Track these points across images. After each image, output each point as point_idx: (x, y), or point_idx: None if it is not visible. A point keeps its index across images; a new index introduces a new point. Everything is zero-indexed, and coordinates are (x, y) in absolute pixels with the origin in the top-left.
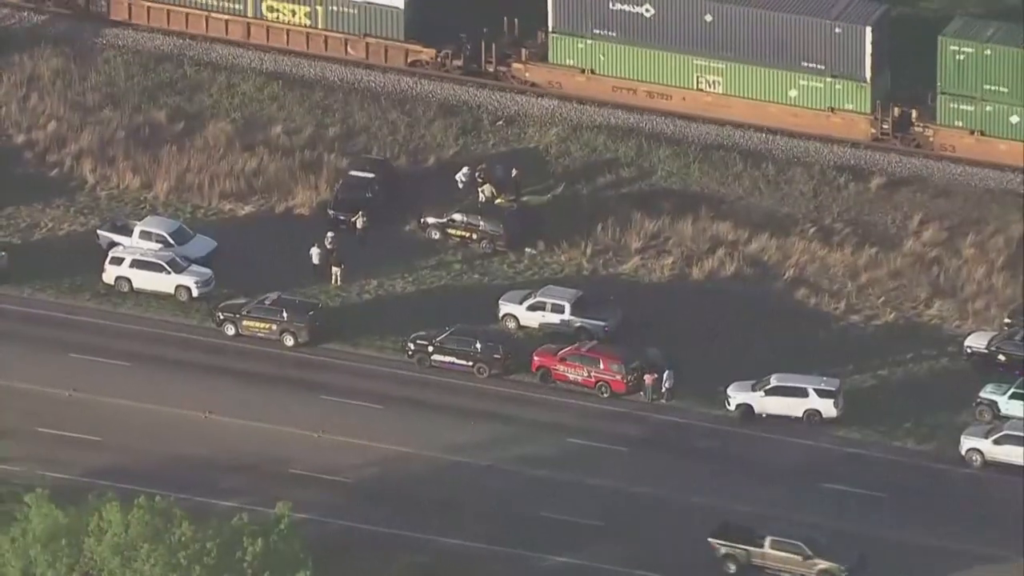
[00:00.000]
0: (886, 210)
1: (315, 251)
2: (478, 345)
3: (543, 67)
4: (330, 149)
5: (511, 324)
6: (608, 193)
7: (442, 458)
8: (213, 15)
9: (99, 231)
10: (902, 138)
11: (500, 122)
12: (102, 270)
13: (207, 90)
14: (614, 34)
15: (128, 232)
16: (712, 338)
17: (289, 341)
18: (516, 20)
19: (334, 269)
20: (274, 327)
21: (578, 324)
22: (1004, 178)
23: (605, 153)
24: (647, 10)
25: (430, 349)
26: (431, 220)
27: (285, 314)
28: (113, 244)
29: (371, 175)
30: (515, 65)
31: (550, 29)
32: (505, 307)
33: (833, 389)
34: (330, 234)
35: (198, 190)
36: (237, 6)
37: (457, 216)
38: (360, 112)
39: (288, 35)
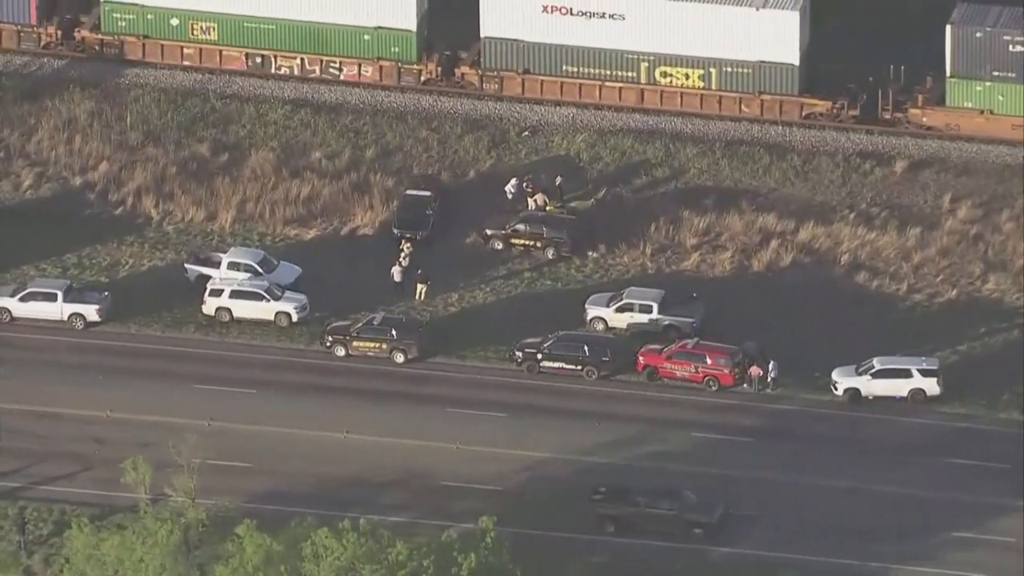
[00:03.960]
0: (915, 191)
1: (396, 269)
2: (586, 349)
3: (940, 111)
4: (372, 170)
5: (599, 326)
6: (649, 193)
7: (581, 460)
8: (607, 84)
9: (186, 265)
10: None
11: (525, 132)
12: (201, 302)
13: (238, 121)
14: (1014, 75)
15: (212, 264)
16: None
17: (400, 358)
18: (902, 67)
19: (419, 286)
20: (384, 345)
21: (666, 322)
22: (1018, 153)
23: (634, 156)
24: None
25: (539, 356)
26: (491, 231)
27: (394, 332)
28: (201, 277)
29: (428, 193)
30: (912, 111)
31: (948, 74)
32: (592, 310)
33: (935, 368)
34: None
35: (260, 218)
36: (631, 74)
37: (520, 226)
38: (391, 132)
39: (681, 98)
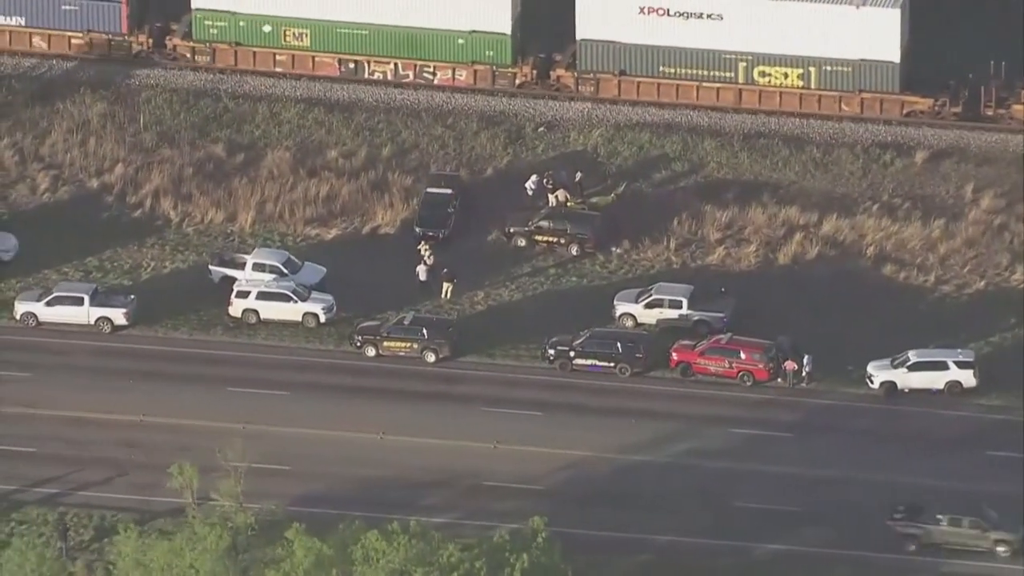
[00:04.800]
0: (936, 182)
1: (421, 268)
2: (619, 346)
3: None
4: (390, 168)
5: (628, 322)
6: (669, 188)
7: (621, 458)
8: (704, 84)
9: (210, 266)
10: None
11: (541, 128)
12: (228, 303)
13: (252, 121)
14: None
15: (237, 265)
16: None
17: (431, 358)
18: (1003, 63)
19: (445, 284)
20: (415, 345)
21: (696, 318)
22: None
23: (652, 150)
24: None
25: (571, 353)
26: (515, 229)
27: (425, 332)
28: (225, 278)
29: (449, 191)
30: (1015, 107)
31: None
32: (621, 306)
33: (971, 360)
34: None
35: (280, 218)
36: (728, 74)
37: (544, 223)
38: (406, 130)
39: (780, 97)
